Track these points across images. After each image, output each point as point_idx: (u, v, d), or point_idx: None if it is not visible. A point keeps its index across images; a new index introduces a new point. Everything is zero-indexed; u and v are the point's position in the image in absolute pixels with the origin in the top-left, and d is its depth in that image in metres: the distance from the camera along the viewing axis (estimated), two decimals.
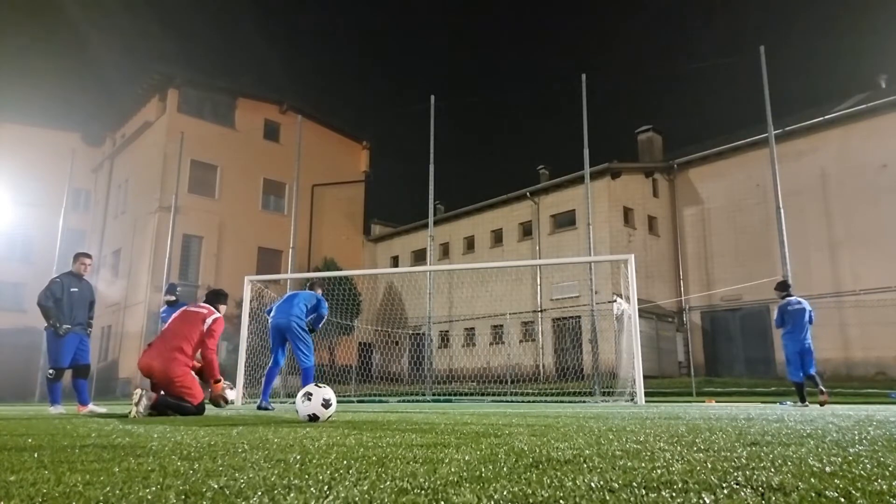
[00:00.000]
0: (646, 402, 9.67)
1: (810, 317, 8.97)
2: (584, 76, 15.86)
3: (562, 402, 11.22)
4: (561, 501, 1.28)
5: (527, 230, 26.21)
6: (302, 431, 3.36)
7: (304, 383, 7.53)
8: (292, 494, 1.37)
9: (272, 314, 7.93)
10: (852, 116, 20.56)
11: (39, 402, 17.00)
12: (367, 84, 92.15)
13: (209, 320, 5.93)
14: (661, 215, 25.13)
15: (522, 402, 11.33)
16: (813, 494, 1.33)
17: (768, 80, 13.93)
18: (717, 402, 11.24)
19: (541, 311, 23.80)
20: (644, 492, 1.37)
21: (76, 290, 7.32)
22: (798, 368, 8.84)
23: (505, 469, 1.75)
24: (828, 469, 1.69)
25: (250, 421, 4.57)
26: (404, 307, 22.64)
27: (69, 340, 7.15)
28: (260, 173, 28.58)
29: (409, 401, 12.64)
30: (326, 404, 4.36)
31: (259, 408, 7.56)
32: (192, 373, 5.78)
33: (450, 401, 12.53)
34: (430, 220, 17.13)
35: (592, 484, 1.46)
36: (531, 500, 1.30)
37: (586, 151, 15.44)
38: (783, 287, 9.36)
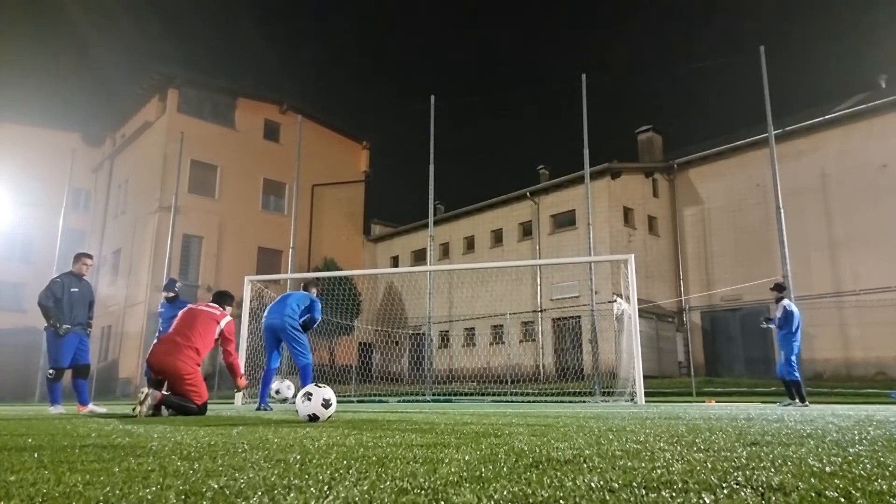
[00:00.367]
0: (646, 402, 9.67)
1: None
2: (584, 76, 15.87)
3: (562, 402, 11.21)
4: (561, 501, 1.28)
5: (527, 230, 26.21)
6: (302, 431, 3.36)
7: (304, 380, 7.54)
8: (292, 494, 1.37)
9: (265, 315, 7.95)
10: (852, 116, 20.55)
11: (39, 402, 17.00)
12: (367, 84, 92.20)
13: (223, 323, 6.00)
14: (661, 215, 25.13)
15: (522, 402, 11.33)
16: (813, 494, 1.33)
17: (768, 80, 13.93)
18: (717, 402, 11.24)
19: (541, 311, 23.81)
20: (644, 492, 1.37)
21: (76, 290, 7.32)
22: (797, 368, 9.10)
23: (505, 469, 1.75)
24: (828, 469, 1.69)
25: (250, 421, 4.57)
26: (404, 307, 22.64)
27: (69, 340, 7.14)
28: (260, 173, 28.58)
29: (409, 401, 12.64)
30: (326, 404, 4.36)
31: (258, 410, 7.57)
32: (200, 372, 5.82)
33: (450, 401, 12.53)
34: (430, 220, 17.13)
35: (592, 484, 1.46)
36: (531, 500, 1.30)
37: (586, 151, 15.44)
38: (781, 288, 9.58)
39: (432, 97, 17.48)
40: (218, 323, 5.96)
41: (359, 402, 12.04)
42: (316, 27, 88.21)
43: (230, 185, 27.52)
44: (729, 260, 22.56)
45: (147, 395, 5.24)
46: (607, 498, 1.31)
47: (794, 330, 9.10)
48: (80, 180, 27.76)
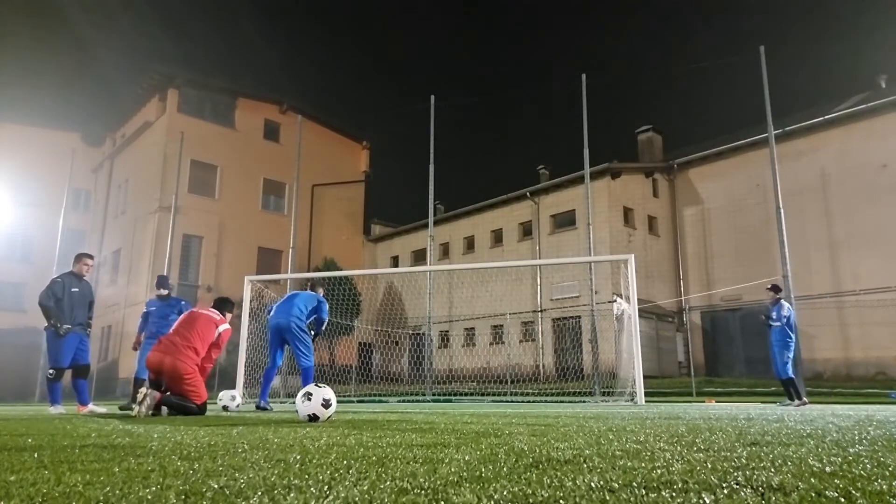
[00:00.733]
0: (646, 402, 9.66)
1: None
2: (584, 76, 15.87)
3: (562, 402, 11.21)
4: (561, 501, 1.28)
5: (527, 230, 26.21)
6: (302, 431, 3.36)
7: (305, 383, 7.52)
8: (292, 494, 1.37)
9: (271, 314, 7.91)
10: (852, 116, 20.55)
11: (39, 402, 17.00)
12: (367, 84, 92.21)
13: (221, 328, 6.01)
14: (661, 215, 25.13)
15: (522, 402, 11.33)
16: (813, 494, 1.33)
17: (768, 80, 13.93)
18: (717, 402, 11.24)
19: (541, 311, 23.81)
20: (644, 492, 1.37)
21: (77, 290, 7.33)
22: (791, 367, 9.29)
23: (505, 469, 1.75)
24: (828, 469, 1.69)
25: (250, 421, 4.57)
26: (404, 307, 22.64)
27: (69, 340, 7.15)
28: (260, 173, 28.59)
29: (409, 401, 12.64)
30: (326, 404, 4.36)
31: (258, 408, 7.56)
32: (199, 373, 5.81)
33: (450, 401, 12.53)
34: (430, 220, 17.13)
35: (592, 484, 1.46)
36: (531, 500, 1.30)
37: (586, 151, 15.44)
38: (779, 289, 9.76)
39: (432, 97, 17.49)
40: (217, 326, 5.97)
41: (359, 402, 12.05)
42: (316, 27, 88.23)
43: (230, 185, 27.52)
44: (729, 260, 22.56)
45: (146, 395, 5.24)
46: (607, 498, 1.31)
47: (794, 330, 9.29)
48: (80, 180, 27.76)
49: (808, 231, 19.83)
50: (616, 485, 1.46)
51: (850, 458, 1.95)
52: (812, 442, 2.52)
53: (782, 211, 13.06)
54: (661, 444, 2.43)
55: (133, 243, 26.19)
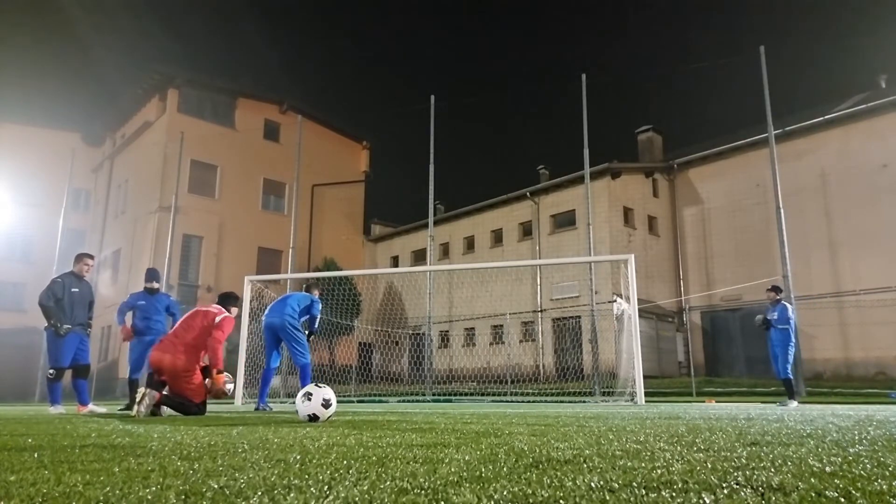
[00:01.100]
0: (646, 402, 9.66)
1: None
2: (584, 76, 15.88)
3: (562, 402, 11.21)
4: (561, 501, 1.28)
5: (527, 230, 26.20)
6: (302, 431, 3.36)
7: (303, 380, 7.54)
8: (292, 494, 1.37)
9: (265, 314, 7.94)
10: (852, 116, 20.55)
11: (39, 402, 17.00)
12: (367, 84, 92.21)
13: (219, 317, 5.96)
14: (661, 215, 25.13)
15: (522, 402, 11.33)
16: (813, 494, 1.33)
17: (768, 80, 13.94)
18: (717, 402, 11.23)
19: (541, 311, 23.80)
20: (644, 492, 1.37)
21: (77, 290, 7.32)
22: (791, 367, 9.37)
23: (505, 469, 1.75)
24: (828, 469, 1.69)
25: (250, 421, 4.57)
26: (404, 307, 22.64)
27: (69, 340, 7.14)
28: (260, 173, 28.58)
29: (409, 401, 12.63)
30: (326, 404, 4.36)
31: (257, 410, 7.56)
32: (200, 371, 5.80)
33: (450, 401, 12.52)
34: (430, 220, 17.14)
35: (592, 484, 1.46)
36: (531, 500, 1.30)
37: (586, 151, 15.44)
38: (779, 290, 9.82)
39: (432, 97, 17.52)
40: (215, 319, 5.94)
41: (359, 402, 12.04)
42: (316, 27, 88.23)
43: (230, 185, 27.51)
44: (729, 260, 22.56)
45: (144, 395, 5.23)
46: (607, 498, 1.31)
47: (793, 330, 9.33)
48: (80, 180, 27.76)
49: (808, 231, 19.82)
50: (616, 485, 1.46)
51: (850, 458, 1.95)
52: (812, 442, 2.52)
53: (782, 211, 13.06)
54: (661, 444, 2.43)
55: (133, 243, 26.18)
